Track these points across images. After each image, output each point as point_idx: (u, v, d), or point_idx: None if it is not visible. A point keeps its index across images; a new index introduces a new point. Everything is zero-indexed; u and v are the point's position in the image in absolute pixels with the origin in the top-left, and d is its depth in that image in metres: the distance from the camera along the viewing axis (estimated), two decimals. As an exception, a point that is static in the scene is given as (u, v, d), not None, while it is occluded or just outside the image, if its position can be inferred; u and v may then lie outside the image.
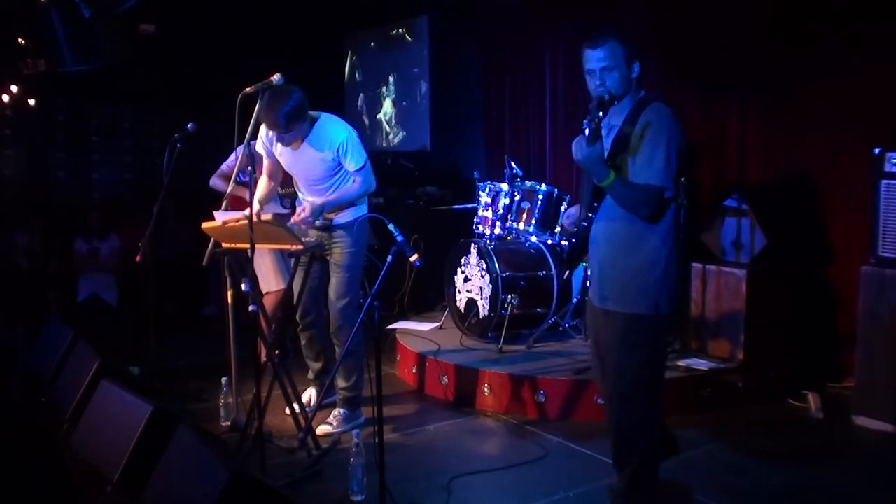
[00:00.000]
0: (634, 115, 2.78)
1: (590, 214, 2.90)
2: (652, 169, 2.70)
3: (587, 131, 2.60)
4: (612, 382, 2.91)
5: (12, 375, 4.68)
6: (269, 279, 4.76)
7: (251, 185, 3.52)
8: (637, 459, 2.88)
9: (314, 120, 3.86)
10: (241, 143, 3.63)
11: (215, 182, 4.72)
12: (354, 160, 3.87)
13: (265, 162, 4.08)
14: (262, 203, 4.04)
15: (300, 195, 4.12)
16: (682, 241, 2.89)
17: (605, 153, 2.73)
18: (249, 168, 3.50)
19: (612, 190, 2.73)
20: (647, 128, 2.72)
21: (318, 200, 3.88)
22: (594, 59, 2.77)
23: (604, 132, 2.76)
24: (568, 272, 4.96)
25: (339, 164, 3.89)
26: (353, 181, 3.93)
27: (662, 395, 3.01)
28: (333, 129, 3.87)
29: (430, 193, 7.09)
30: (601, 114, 2.61)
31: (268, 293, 4.71)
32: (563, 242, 4.95)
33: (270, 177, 4.12)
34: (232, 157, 4.62)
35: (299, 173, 4.00)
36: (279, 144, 3.89)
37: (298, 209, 3.91)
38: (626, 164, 2.76)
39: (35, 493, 3.27)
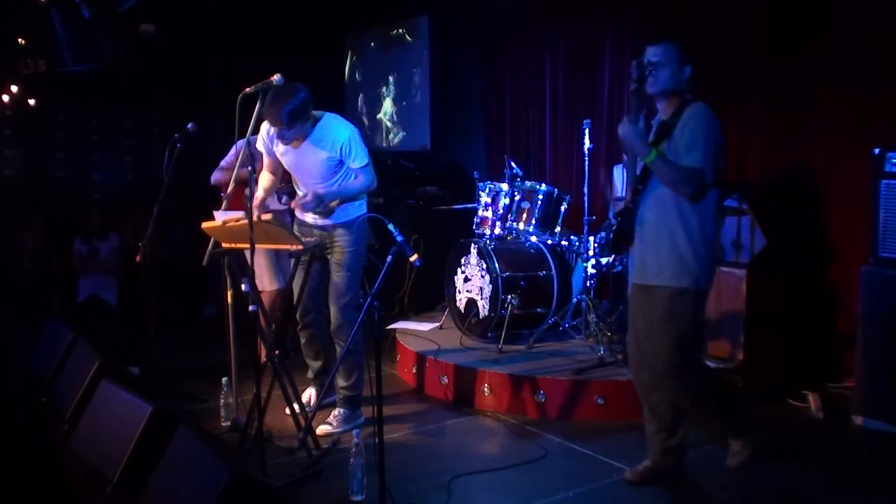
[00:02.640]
0: (679, 110, 3.11)
1: (635, 197, 3.20)
2: (693, 154, 3.02)
3: (634, 91, 3.02)
4: (643, 352, 3.26)
5: (12, 375, 4.68)
6: (263, 279, 4.76)
7: (251, 184, 3.52)
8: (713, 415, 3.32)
9: (317, 119, 3.86)
10: (241, 138, 3.63)
11: (217, 177, 4.72)
12: (358, 158, 3.88)
13: (265, 160, 4.08)
14: (268, 194, 4.04)
15: (299, 193, 4.11)
16: (716, 226, 3.24)
17: (650, 137, 3.09)
18: (249, 168, 3.50)
19: (656, 166, 3.05)
20: (690, 120, 3.06)
21: (321, 189, 3.89)
22: (650, 53, 3.13)
23: (654, 126, 3.19)
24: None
25: (341, 163, 3.89)
26: (356, 177, 3.94)
27: (692, 361, 3.24)
28: (336, 129, 3.87)
29: (430, 193, 7.09)
30: (639, 81, 3.01)
31: (261, 292, 4.71)
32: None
33: (272, 173, 4.12)
34: (231, 151, 4.63)
35: (301, 172, 4.00)
36: (280, 144, 3.89)
37: (301, 194, 3.91)
38: (668, 152, 3.07)
39: (35, 493, 3.27)
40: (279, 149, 3.95)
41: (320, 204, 3.85)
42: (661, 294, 3.15)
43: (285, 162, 4.00)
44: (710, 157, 3.03)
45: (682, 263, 3.10)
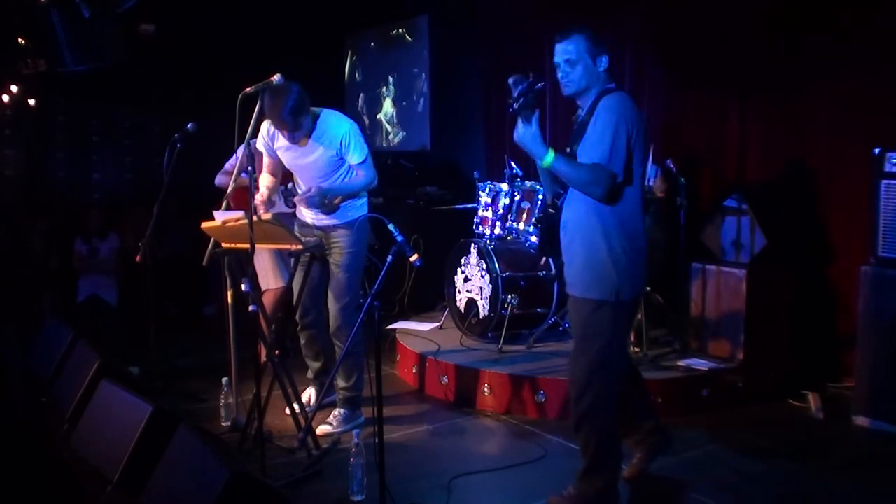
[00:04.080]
0: (594, 105, 2.88)
1: (556, 201, 3.01)
2: (598, 149, 2.80)
3: (515, 110, 2.74)
4: (572, 363, 3.00)
5: (11, 375, 4.68)
6: (268, 277, 4.76)
7: (251, 184, 3.52)
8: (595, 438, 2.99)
9: (316, 116, 3.87)
10: (242, 143, 3.63)
11: (220, 180, 4.73)
12: (357, 153, 3.88)
13: (266, 160, 4.08)
14: (272, 192, 4.04)
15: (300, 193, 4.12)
16: (642, 225, 2.97)
17: (571, 143, 2.88)
18: (249, 168, 3.50)
19: (557, 169, 2.83)
20: (599, 113, 2.83)
21: (325, 185, 3.90)
22: (560, 51, 2.91)
23: (575, 127, 2.97)
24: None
25: (343, 158, 3.89)
26: (356, 174, 3.94)
27: (618, 380, 3.03)
28: (335, 124, 3.88)
29: (430, 193, 7.09)
30: (522, 89, 2.73)
31: (266, 290, 4.72)
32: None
33: (272, 174, 4.12)
34: (234, 156, 4.63)
35: (302, 170, 4.00)
36: (281, 142, 3.89)
37: (305, 188, 3.91)
38: (580, 150, 2.88)
39: (35, 493, 3.27)
40: (280, 147, 3.95)
41: (324, 199, 3.86)
42: (577, 305, 2.95)
43: (286, 161, 4.00)
44: (620, 153, 2.79)
45: (599, 272, 2.87)
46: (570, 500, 3.09)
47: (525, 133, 2.83)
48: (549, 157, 2.82)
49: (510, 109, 2.79)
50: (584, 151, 2.86)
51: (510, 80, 2.78)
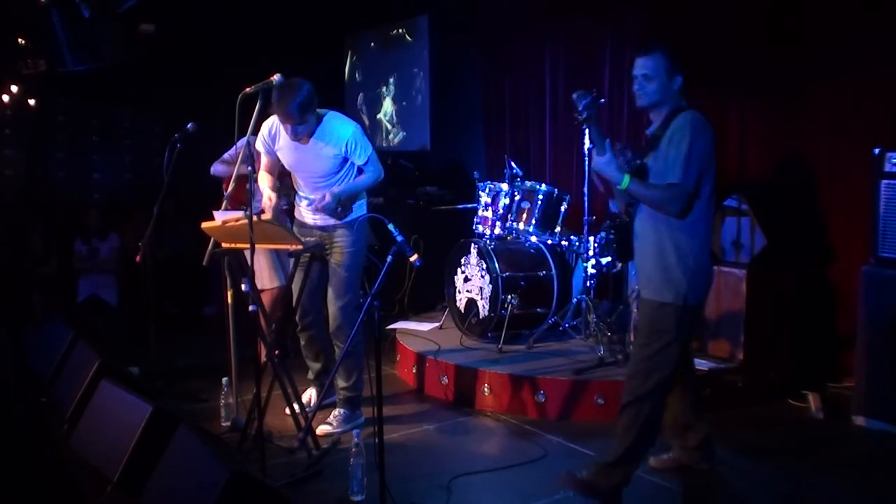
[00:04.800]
0: (667, 122, 3.04)
1: (629, 210, 3.19)
2: (675, 170, 2.95)
3: (580, 122, 2.96)
4: (634, 355, 3.20)
5: (11, 375, 4.68)
6: (263, 277, 4.76)
7: (251, 184, 3.52)
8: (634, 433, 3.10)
9: (320, 116, 3.88)
10: (241, 137, 3.63)
11: (216, 168, 4.72)
12: (363, 154, 3.91)
13: (264, 160, 4.08)
14: (273, 191, 4.05)
15: (301, 193, 4.11)
16: (709, 237, 3.12)
17: (642, 155, 3.08)
18: (249, 168, 3.50)
19: (633, 192, 3.00)
20: (675, 133, 2.99)
21: (336, 188, 3.91)
22: (639, 65, 3.08)
23: (648, 140, 3.13)
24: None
25: (345, 159, 3.90)
26: (361, 173, 3.96)
27: (671, 379, 3.14)
28: (340, 126, 3.89)
29: (430, 193, 7.09)
30: (586, 103, 2.93)
31: (261, 291, 4.71)
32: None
33: (269, 173, 4.13)
34: (234, 147, 4.63)
35: (303, 170, 4.00)
36: (282, 142, 3.89)
37: (318, 196, 3.91)
38: (654, 163, 3.05)
39: (35, 493, 3.27)
40: (280, 146, 3.95)
41: (339, 203, 3.87)
42: (646, 306, 3.13)
43: (286, 161, 4.00)
44: (694, 171, 2.95)
45: (668, 277, 3.04)
46: (582, 485, 3.15)
47: (600, 162, 3.01)
48: (625, 182, 2.98)
49: (576, 122, 3.00)
50: (660, 169, 3.02)
51: (574, 96, 2.97)
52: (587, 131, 3.04)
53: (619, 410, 3.17)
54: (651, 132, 3.16)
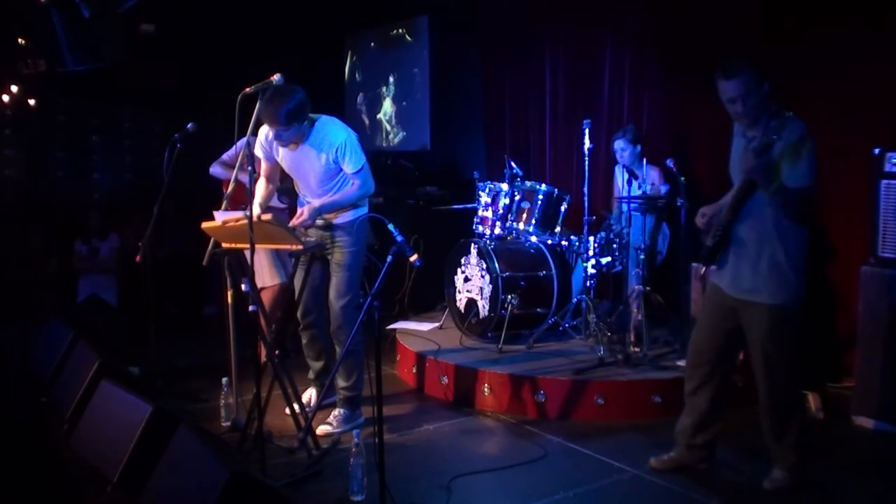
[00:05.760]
0: (778, 127, 3.05)
1: (733, 215, 3.24)
2: (805, 174, 3.04)
3: (755, 145, 3.04)
4: (762, 369, 3.27)
5: (11, 375, 4.68)
6: (264, 275, 4.76)
7: (251, 185, 3.52)
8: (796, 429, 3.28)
9: (314, 122, 3.86)
10: (241, 137, 3.63)
11: (215, 170, 4.72)
12: (353, 162, 3.87)
13: (263, 165, 4.07)
14: (263, 206, 4.03)
15: (301, 197, 4.12)
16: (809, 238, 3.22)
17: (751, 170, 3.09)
18: (250, 168, 3.50)
19: (777, 194, 3.05)
20: (796, 141, 3.06)
21: (317, 203, 3.89)
22: (731, 90, 3.10)
23: (744, 141, 3.20)
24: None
25: (339, 166, 3.89)
26: (352, 184, 3.93)
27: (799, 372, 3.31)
28: (332, 131, 3.87)
29: (430, 193, 7.09)
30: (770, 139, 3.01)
31: (262, 289, 4.71)
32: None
33: (269, 180, 4.11)
34: (233, 147, 4.63)
35: (300, 176, 4.00)
36: (280, 147, 3.89)
37: (298, 212, 3.90)
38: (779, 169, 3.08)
39: (35, 493, 3.27)
40: (280, 154, 3.95)
41: (318, 217, 3.86)
42: (762, 311, 3.18)
43: (285, 165, 4.00)
44: (814, 173, 3.07)
45: (782, 281, 3.14)
46: (780, 483, 3.31)
47: (758, 166, 3.03)
48: (776, 184, 3.04)
49: (752, 140, 3.13)
50: (787, 174, 3.05)
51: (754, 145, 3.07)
52: (762, 139, 3.06)
53: (772, 415, 3.30)
54: (755, 137, 3.14)
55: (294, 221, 3.86)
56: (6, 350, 4.99)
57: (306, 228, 3.92)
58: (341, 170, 3.90)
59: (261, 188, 4.08)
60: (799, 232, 3.15)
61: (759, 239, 3.17)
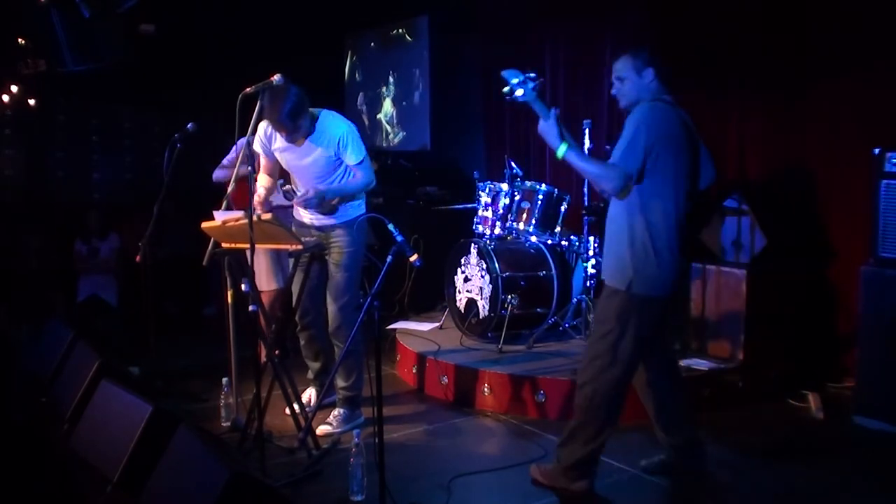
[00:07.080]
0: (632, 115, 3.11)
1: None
2: (617, 152, 3.08)
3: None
4: (588, 353, 3.22)
5: (13, 375, 4.69)
6: (261, 279, 4.76)
7: (251, 184, 3.53)
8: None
9: (314, 117, 3.87)
10: (241, 137, 3.64)
11: (218, 175, 4.73)
12: (354, 154, 3.88)
13: (262, 161, 4.08)
14: (265, 199, 4.04)
15: (299, 193, 4.12)
16: (672, 230, 3.10)
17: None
18: (249, 168, 3.50)
19: (569, 161, 3.10)
20: (628, 122, 3.09)
21: (322, 186, 3.90)
22: (614, 69, 3.25)
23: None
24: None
25: (341, 159, 3.90)
26: (354, 175, 3.94)
27: (626, 371, 3.17)
28: (333, 124, 3.89)
29: (430, 193, 7.09)
30: (514, 92, 3.22)
31: (260, 293, 4.71)
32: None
33: (269, 174, 4.13)
34: (233, 151, 4.63)
35: (300, 171, 4.00)
36: (279, 143, 3.89)
37: (302, 191, 3.91)
38: (615, 152, 3.12)
39: (35, 493, 3.27)
40: (277, 147, 3.95)
41: (322, 201, 3.86)
42: (604, 291, 3.22)
43: (284, 162, 4.01)
44: (636, 156, 3.01)
45: (620, 264, 3.11)
46: (547, 473, 3.29)
47: (543, 126, 3.15)
48: (562, 150, 3.08)
49: (507, 97, 3.21)
50: (612, 155, 3.12)
51: (504, 73, 3.19)
52: (533, 107, 3.19)
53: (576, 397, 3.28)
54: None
55: (297, 200, 3.87)
56: (11, 349, 5.00)
57: (308, 208, 3.91)
58: (341, 164, 3.91)
59: (262, 182, 4.09)
60: (651, 219, 3.09)
61: (610, 217, 3.23)
